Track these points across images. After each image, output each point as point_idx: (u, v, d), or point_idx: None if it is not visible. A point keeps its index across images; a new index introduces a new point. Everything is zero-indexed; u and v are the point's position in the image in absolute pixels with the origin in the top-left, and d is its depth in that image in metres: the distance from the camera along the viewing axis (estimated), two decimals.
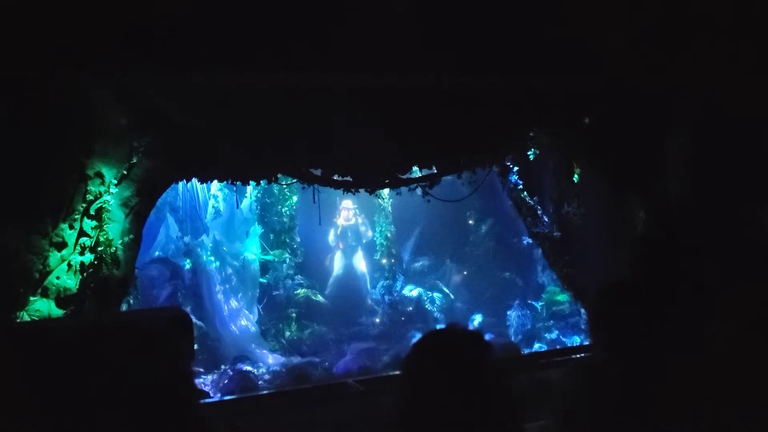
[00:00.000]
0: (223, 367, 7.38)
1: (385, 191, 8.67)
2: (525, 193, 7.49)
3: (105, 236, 4.85)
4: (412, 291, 9.61)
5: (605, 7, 5.39)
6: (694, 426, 2.27)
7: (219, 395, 6.48)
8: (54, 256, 4.58)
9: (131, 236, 5.11)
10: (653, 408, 2.26)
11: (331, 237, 9.53)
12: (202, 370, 7.04)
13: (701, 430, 2.28)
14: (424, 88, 5.49)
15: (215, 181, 6.39)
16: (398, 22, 4.91)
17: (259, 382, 7.09)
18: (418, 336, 1.98)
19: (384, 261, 9.57)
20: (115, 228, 4.96)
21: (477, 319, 9.11)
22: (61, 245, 4.62)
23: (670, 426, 2.25)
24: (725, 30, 5.38)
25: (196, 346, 6.34)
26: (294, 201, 8.93)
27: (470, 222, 10.29)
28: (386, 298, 9.32)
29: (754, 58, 5.34)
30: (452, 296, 9.74)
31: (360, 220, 9.63)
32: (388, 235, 9.58)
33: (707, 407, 2.31)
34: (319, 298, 9.10)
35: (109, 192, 4.87)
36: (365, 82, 5.30)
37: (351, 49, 4.84)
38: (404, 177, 6.09)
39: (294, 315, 8.65)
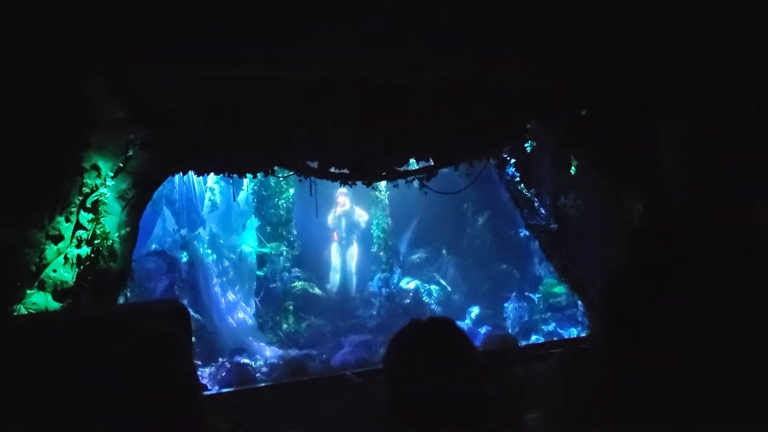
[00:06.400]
0: (220, 359, 7.39)
1: (382, 183, 8.67)
2: (522, 185, 7.50)
3: (101, 229, 4.84)
4: (409, 283, 9.62)
5: (601, 2, 5.39)
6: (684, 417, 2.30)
7: (217, 388, 6.49)
8: (50, 249, 4.57)
9: (128, 229, 5.10)
10: (642, 399, 2.27)
11: (331, 218, 9.51)
12: (199, 362, 7.05)
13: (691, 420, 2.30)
14: (421, 81, 5.48)
15: (211, 174, 6.38)
16: (395, 18, 4.90)
17: (257, 375, 7.12)
18: None
19: (381, 253, 9.58)
20: (112, 221, 4.95)
21: (474, 311, 9.13)
22: (58, 238, 4.61)
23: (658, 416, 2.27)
24: (719, 20, 5.37)
25: (193, 339, 6.34)
26: (291, 193, 8.93)
27: (467, 214, 10.30)
28: (383, 290, 9.33)
29: (748, 48, 5.34)
30: (449, 288, 9.76)
31: (357, 210, 9.64)
32: (385, 227, 9.58)
33: (699, 398, 2.33)
34: (317, 290, 9.11)
35: (106, 185, 4.86)
36: (362, 75, 5.29)
37: (349, 44, 4.82)
38: (401, 169, 6.08)
39: (291, 307, 8.67)
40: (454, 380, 1.74)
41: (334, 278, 9.54)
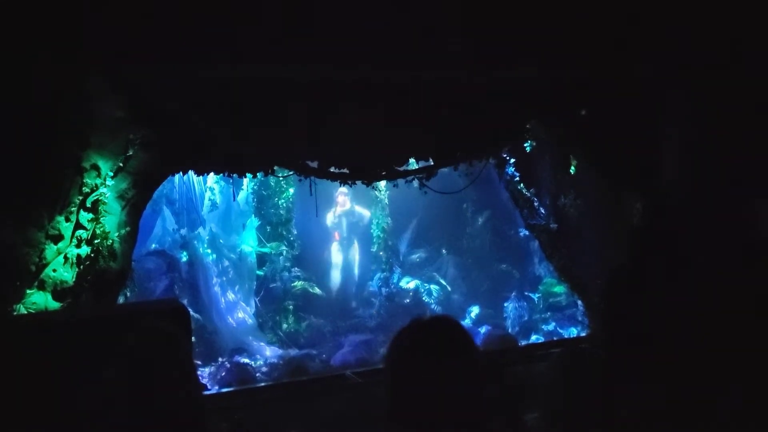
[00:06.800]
0: (220, 359, 7.38)
1: (382, 183, 8.67)
2: (522, 185, 7.50)
3: (101, 229, 4.84)
4: (409, 283, 9.61)
5: (601, 2, 5.40)
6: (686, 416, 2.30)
7: (217, 388, 6.49)
8: (50, 249, 4.57)
9: (128, 228, 5.10)
10: (642, 399, 2.27)
11: (330, 218, 9.50)
12: (199, 362, 7.04)
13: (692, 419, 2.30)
14: (421, 81, 5.49)
15: (211, 174, 6.38)
16: (395, 18, 4.90)
17: (257, 375, 7.11)
18: None
19: (381, 253, 9.57)
20: (112, 220, 4.95)
21: (474, 311, 9.13)
22: (58, 238, 4.61)
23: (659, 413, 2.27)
24: (719, 20, 5.37)
25: (193, 339, 6.35)
26: (290, 193, 8.92)
27: (467, 214, 10.30)
28: (383, 290, 9.32)
29: (748, 48, 5.35)
30: (449, 288, 9.75)
31: (356, 210, 9.64)
32: (385, 227, 9.58)
33: (699, 398, 2.33)
34: (317, 290, 9.10)
35: (105, 184, 4.85)
36: (362, 75, 5.29)
37: (349, 44, 4.83)
38: (401, 169, 6.08)
39: (291, 307, 8.66)
40: (455, 380, 1.74)
41: (334, 278, 9.53)
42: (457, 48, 5.18)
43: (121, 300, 6.01)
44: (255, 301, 8.58)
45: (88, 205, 4.77)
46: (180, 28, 4.55)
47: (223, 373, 6.89)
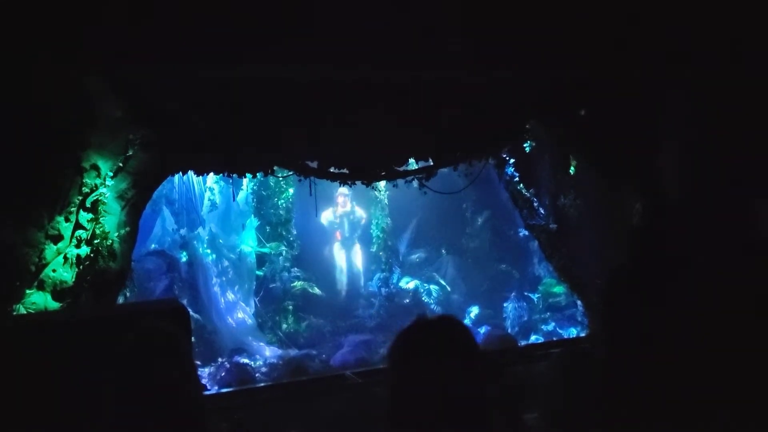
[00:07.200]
0: (220, 359, 7.38)
1: (382, 183, 8.67)
2: (521, 185, 7.50)
3: (101, 229, 4.84)
4: (408, 283, 9.62)
5: (601, 2, 5.40)
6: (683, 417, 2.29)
7: (216, 388, 6.49)
8: (50, 249, 4.57)
9: (127, 229, 5.10)
10: (642, 399, 2.27)
11: (328, 215, 9.47)
12: (199, 362, 7.04)
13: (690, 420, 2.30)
14: (421, 81, 5.49)
15: (211, 174, 6.38)
16: (395, 18, 4.90)
17: (257, 375, 7.11)
18: None
19: (381, 253, 9.57)
20: (111, 220, 4.95)
21: (474, 311, 9.13)
22: (57, 238, 4.61)
23: (658, 416, 2.27)
24: (719, 20, 5.38)
25: (193, 339, 6.35)
26: (290, 193, 8.92)
27: (467, 214, 10.29)
28: (383, 290, 9.32)
29: (747, 48, 5.35)
30: (449, 288, 9.75)
31: (356, 210, 9.63)
32: (385, 227, 9.58)
33: (699, 398, 2.33)
34: (316, 290, 9.10)
35: (105, 184, 4.86)
36: (362, 75, 5.29)
37: (349, 44, 4.83)
38: (401, 169, 6.08)
39: (291, 307, 8.66)
40: (456, 380, 1.74)
41: (334, 278, 9.53)
42: (457, 48, 5.18)
43: (121, 300, 6.00)
44: (254, 301, 8.58)
45: (88, 205, 4.77)
46: (180, 28, 4.55)
47: (223, 373, 6.89)
